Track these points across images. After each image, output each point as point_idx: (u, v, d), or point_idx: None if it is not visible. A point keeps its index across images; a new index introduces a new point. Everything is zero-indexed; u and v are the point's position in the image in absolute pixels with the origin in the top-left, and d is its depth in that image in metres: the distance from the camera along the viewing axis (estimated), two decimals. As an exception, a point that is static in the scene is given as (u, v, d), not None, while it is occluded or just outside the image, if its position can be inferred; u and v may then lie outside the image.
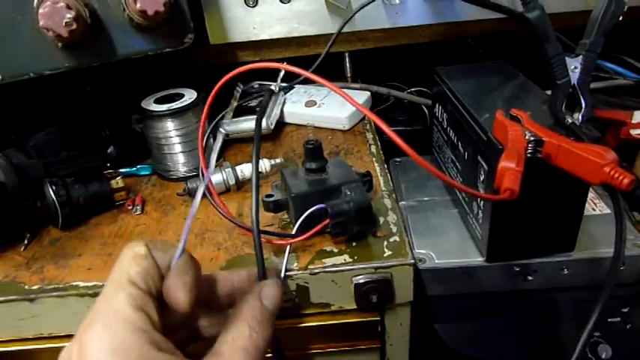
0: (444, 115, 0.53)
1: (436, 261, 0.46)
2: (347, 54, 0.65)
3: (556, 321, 0.48)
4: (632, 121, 0.58)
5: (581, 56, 0.38)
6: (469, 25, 0.59)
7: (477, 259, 0.46)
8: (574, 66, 0.38)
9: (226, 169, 0.48)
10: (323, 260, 0.39)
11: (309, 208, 0.38)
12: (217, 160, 0.53)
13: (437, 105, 0.56)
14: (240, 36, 0.58)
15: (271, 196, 0.42)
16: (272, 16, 0.57)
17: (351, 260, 0.39)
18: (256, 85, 0.66)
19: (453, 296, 0.47)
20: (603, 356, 0.45)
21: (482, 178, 0.43)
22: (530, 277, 0.46)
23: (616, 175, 0.32)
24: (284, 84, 0.64)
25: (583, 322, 0.37)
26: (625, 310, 0.47)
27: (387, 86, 0.68)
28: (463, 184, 0.49)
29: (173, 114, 0.49)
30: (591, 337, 0.46)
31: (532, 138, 0.36)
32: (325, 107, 0.59)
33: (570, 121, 0.39)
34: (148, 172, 0.54)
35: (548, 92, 0.44)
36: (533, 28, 0.37)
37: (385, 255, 0.39)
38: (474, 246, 0.47)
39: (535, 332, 0.48)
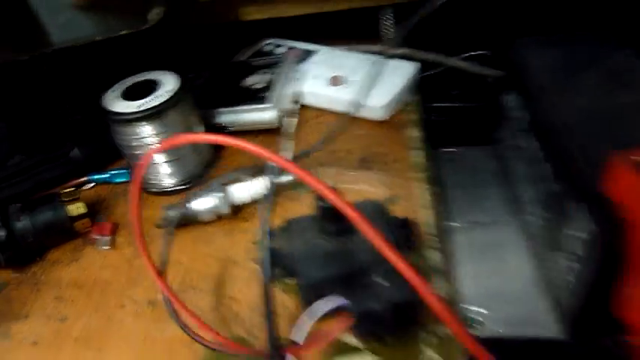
0: (523, 112, 0.38)
1: (493, 327, 0.34)
2: (387, 7, 0.48)
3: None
4: None
5: None
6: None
7: (556, 331, 0.34)
8: None
9: (217, 194, 0.36)
10: (338, 360, 0.28)
11: (322, 295, 0.27)
12: (212, 163, 0.41)
13: (512, 93, 0.41)
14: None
15: (274, 256, 0.29)
16: (283, -39, 0.41)
17: (378, 366, 0.27)
18: (268, 48, 0.51)
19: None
20: None
21: (578, 243, 0.29)
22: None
23: None
24: (302, 45, 0.49)
25: None
26: None
27: (443, 48, 0.52)
28: (542, 223, 0.35)
29: (148, 117, 0.36)
30: None
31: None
32: (354, 87, 0.44)
33: None
34: (125, 179, 0.42)
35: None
36: None
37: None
38: (550, 306, 0.35)
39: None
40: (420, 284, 0.22)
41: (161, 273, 0.29)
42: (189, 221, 0.37)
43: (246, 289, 0.32)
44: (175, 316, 0.28)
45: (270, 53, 0.50)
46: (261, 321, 0.30)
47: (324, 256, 0.28)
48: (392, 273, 0.27)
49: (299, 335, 0.27)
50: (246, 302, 0.32)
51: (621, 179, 0.24)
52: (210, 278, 0.33)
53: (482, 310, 0.35)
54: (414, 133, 0.42)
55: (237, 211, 0.38)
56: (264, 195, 0.31)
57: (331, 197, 0.23)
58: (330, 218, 0.28)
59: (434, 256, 0.32)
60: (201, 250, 0.35)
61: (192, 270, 0.34)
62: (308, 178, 0.23)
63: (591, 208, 0.27)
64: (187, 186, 0.40)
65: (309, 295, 0.28)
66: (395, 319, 0.26)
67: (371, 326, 0.27)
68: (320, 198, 0.27)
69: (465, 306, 0.36)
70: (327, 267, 0.27)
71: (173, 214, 0.36)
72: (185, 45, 0.47)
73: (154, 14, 0.32)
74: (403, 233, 0.30)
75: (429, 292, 0.22)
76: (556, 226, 0.33)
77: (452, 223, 0.42)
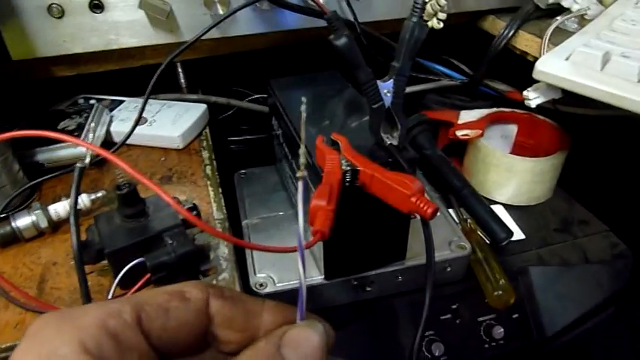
0: (280, 130, 0.52)
1: (277, 284, 0.46)
2: (179, 64, 0.61)
3: (396, 325, 0.50)
4: (458, 122, 0.61)
5: (392, 80, 0.39)
6: (302, 33, 0.58)
7: (317, 277, 0.46)
8: (386, 90, 0.39)
9: (35, 211, 0.42)
10: (146, 311, 0.36)
11: (129, 263, 0.35)
12: (30, 197, 0.47)
13: (273, 118, 0.55)
14: (49, 50, 0.51)
15: (87, 246, 0.37)
16: (84, 28, 0.51)
17: (176, 308, 0.36)
18: (81, 101, 0.59)
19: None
20: (437, 354, 0.49)
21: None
22: (368, 289, 0.48)
23: (421, 205, 0.33)
24: (110, 97, 0.58)
25: (419, 322, 0.40)
26: (454, 306, 0.50)
27: (231, 93, 0.66)
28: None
29: (-37, 152, 0.42)
30: (425, 336, 0.49)
31: (348, 168, 0.36)
32: (156, 125, 0.54)
33: (389, 142, 0.40)
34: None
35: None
36: (342, 56, 0.37)
37: (213, 297, 0.37)
38: (314, 263, 0.47)
39: (377, 339, 0.50)
40: (192, 218, 0.31)
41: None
42: (12, 240, 0.42)
43: (66, 280, 0.39)
44: (3, 291, 0.34)
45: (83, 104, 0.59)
46: (79, 298, 0.38)
47: (125, 232, 0.37)
48: (177, 235, 0.37)
49: (108, 295, 0.36)
50: (66, 288, 0.39)
51: (318, 149, 0.38)
52: (34, 278, 0.40)
53: (269, 274, 0.47)
54: (206, 155, 0.53)
55: (58, 227, 0.44)
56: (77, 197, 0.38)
57: (135, 174, 0.31)
58: (128, 203, 0.37)
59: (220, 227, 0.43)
60: (24, 260, 0.41)
61: (15, 275, 0.40)
62: (113, 158, 0.31)
63: (310, 175, 0.41)
64: (6, 214, 0.46)
65: (116, 261, 0.36)
66: (182, 266, 0.36)
67: (165, 276, 0.36)
68: (118, 187, 0.37)
69: (256, 274, 0.47)
70: (127, 238, 0.36)
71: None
72: (4, 100, 0.53)
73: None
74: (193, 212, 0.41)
75: (198, 220, 0.31)
76: (306, 201, 0.46)
77: (248, 220, 0.53)
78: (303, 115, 0.25)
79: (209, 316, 0.22)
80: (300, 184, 0.23)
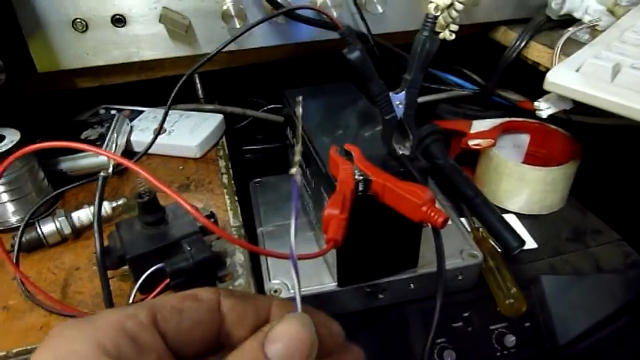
0: (294, 139, 0.54)
1: (290, 291, 0.47)
2: (197, 75, 0.62)
3: (408, 332, 0.51)
4: (471, 131, 0.62)
5: (404, 92, 0.40)
6: (316, 45, 0.59)
7: (331, 284, 0.47)
8: (398, 102, 0.40)
9: (59, 218, 0.44)
10: (165, 316, 0.37)
11: (149, 268, 0.37)
12: (54, 204, 0.49)
13: (287, 128, 0.56)
14: (73, 63, 0.53)
15: (109, 251, 0.39)
16: (106, 41, 0.53)
17: (194, 313, 0.38)
18: (102, 111, 0.61)
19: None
20: (448, 361, 0.49)
21: (326, 210, 0.43)
22: (380, 296, 0.49)
23: (432, 214, 0.34)
24: (130, 107, 0.60)
25: (431, 330, 0.40)
26: (466, 314, 0.51)
27: (247, 104, 0.67)
28: (314, 210, 0.50)
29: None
30: (437, 343, 0.50)
31: (361, 177, 0.37)
32: (175, 134, 0.56)
33: (401, 152, 0.41)
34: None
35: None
36: (355, 69, 0.38)
37: (230, 302, 0.38)
38: (327, 270, 0.48)
39: (390, 346, 0.50)
40: (210, 225, 0.32)
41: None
42: (37, 245, 0.44)
43: (88, 284, 0.41)
44: (29, 294, 0.36)
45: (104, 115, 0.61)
46: (101, 302, 0.39)
47: (146, 238, 0.38)
48: (195, 241, 0.39)
49: (129, 300, 0.37)
50: (89, 293, 0.40)
51: (331, 159, 0.39)
52: (57, 282, 0.41)
53: (283, 281, 0.48)
54: (222, 164, 0.55)
55: (80, 233, 0.46)
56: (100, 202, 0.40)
57: (156, 183, 0.33)
58: (149, 211, 0.39)
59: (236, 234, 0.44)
60: (49, 265, 0.43)
61: (39, 279, 0.42)
62: (135, 167, 0.32)
63: (324, 184, 0.42)
64: (32, 221, 0.47)
65: (137, 267, 0.37)
66: (200, 272, 0.37)
67: (183, 281, 0.37)
68: (139, 195, 0.38)
69: (271, 280, 0.48)
70: (147, 244, 0.38)
71: (23, 238, 0.43)
72: (28, 110, 0.56)
73: (-3, 79, 0.41)
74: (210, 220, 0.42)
75: (216, 227, 0.32)
76: (319, 209, 0.47)
77: (262, 228, 0.54)
78: (300, 111, 0.26)
79: (221, 315, 0.23)
80: (293, 183, 0.23)
